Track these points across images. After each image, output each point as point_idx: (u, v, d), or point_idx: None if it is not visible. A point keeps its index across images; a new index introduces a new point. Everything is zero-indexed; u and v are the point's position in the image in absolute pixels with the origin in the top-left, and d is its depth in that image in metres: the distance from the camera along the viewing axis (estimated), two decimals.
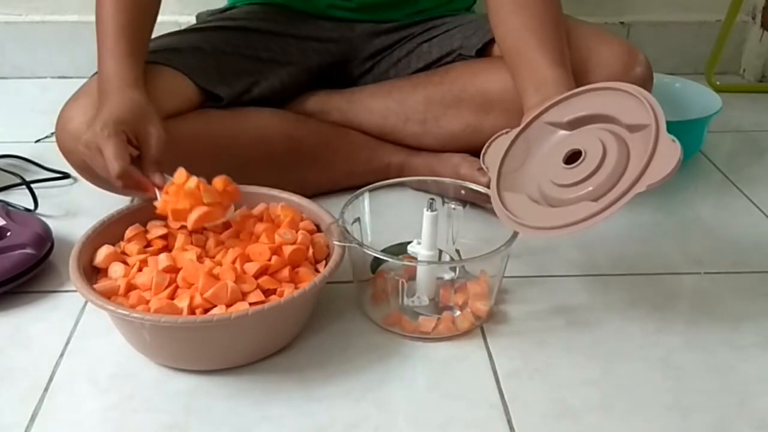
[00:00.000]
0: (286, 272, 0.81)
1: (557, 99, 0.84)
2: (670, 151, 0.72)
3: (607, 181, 0.75)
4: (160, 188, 0.83)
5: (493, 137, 0.88)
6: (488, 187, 0.95)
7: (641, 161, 0.73)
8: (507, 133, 0.87)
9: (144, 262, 0.82)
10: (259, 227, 0.85)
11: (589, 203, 0.75)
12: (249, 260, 0.81)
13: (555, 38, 0.93)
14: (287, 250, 0.82)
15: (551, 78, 0.88)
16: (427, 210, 0.84)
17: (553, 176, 0.80)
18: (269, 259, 0.80)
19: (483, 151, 0.88)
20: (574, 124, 0.82)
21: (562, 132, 0.83)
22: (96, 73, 0.99)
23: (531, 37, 0.93)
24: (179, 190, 0.82)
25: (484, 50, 1.07)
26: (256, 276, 0.79)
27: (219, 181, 0.84)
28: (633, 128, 0.77)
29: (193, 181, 0.82)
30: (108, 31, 0.92)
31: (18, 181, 1.12)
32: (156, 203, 0.84)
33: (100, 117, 0.84)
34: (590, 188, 0.76)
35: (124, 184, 0.83)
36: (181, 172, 0.83)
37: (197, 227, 0.83)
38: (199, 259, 0.81)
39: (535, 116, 0.84)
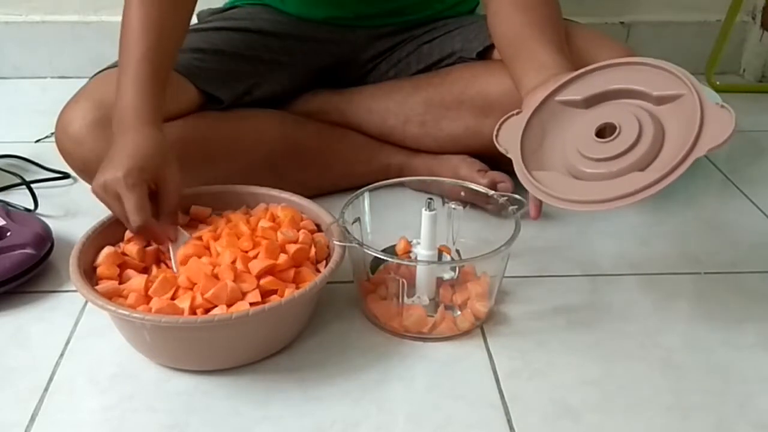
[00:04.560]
0: (291, 272, 0.80)
1: (569, 77, 0.81)
2: (722, 115, 0.71)
3: (649, 153, 0.73)
4: (173, 241, 0.83)
5: (503, 118, 0.85)
6: (488, 187, 0.96)
7: (688, 128, 0.71)
8: (517, 114, 0.85)
9: (146, 270, 0.83)
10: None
11: (638, 174, 0.72)
12: (246, 258, 0.80)
13: (555, 33, 0.93)
14: (291, 249, 0.82)
15: (552, 62, 0.87)
16: (426, 210, 0.84)
17: (586, 151, 0.76)
18: (276, 258, 0.80)
19: (495, 132, 0.85)
20: (591, 101, 0.80)
21: (580, 110, 0.81)
22: (99, 72, 0.99)
23: (531, 31, 0.92)
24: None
25: (485, 53, 1.07)
26: (261, 275, 0.79)
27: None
28: (662, 99, 0.76)
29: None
30: (131, 52, 0.87)
31: (18, 181, 1.12)
32: (171, 263, 0.83)
33: (121, 161, 0.80)
34: (634, 160, 0.73)
35: (138, 233, 0.82)
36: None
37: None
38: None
39: (547, 96, 0.82)
